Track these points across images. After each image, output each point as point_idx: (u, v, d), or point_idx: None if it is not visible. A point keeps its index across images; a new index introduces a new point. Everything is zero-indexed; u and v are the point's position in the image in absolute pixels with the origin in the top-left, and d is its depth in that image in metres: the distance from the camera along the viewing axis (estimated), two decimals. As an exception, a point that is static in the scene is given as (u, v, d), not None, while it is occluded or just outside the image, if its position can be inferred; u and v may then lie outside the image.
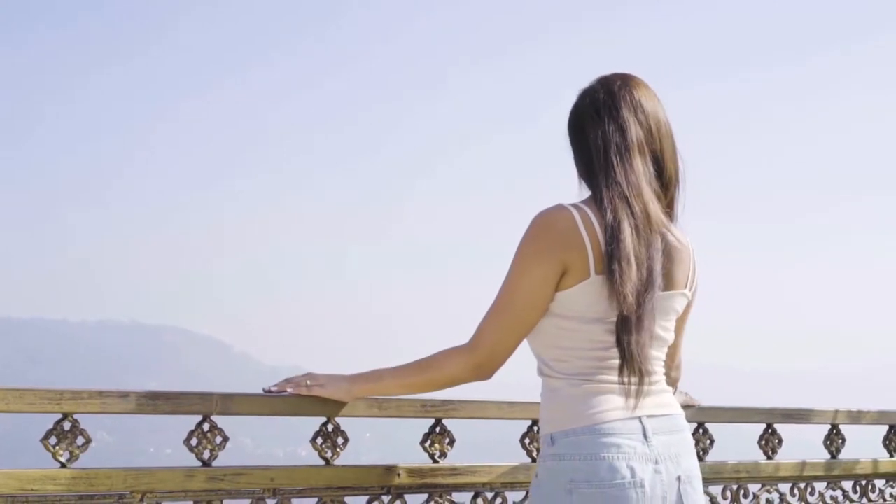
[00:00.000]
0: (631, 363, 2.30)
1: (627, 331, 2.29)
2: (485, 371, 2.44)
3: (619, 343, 2.30)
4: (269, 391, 2.63)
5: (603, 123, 2.41)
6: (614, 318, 2.31)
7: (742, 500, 3.43)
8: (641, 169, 2.39)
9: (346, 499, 2.70)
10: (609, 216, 2.31)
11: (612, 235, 2.29)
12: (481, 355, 2.41)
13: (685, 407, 3.17)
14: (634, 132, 2.41)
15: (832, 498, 3.69)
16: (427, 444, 2.85)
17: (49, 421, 2.40)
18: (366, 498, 2.74)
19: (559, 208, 2.35)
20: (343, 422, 2.73)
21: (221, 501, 2.55)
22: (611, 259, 2.28)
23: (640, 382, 2.32)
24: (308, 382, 2.64)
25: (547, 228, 2.34)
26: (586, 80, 2.53)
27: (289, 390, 2.63)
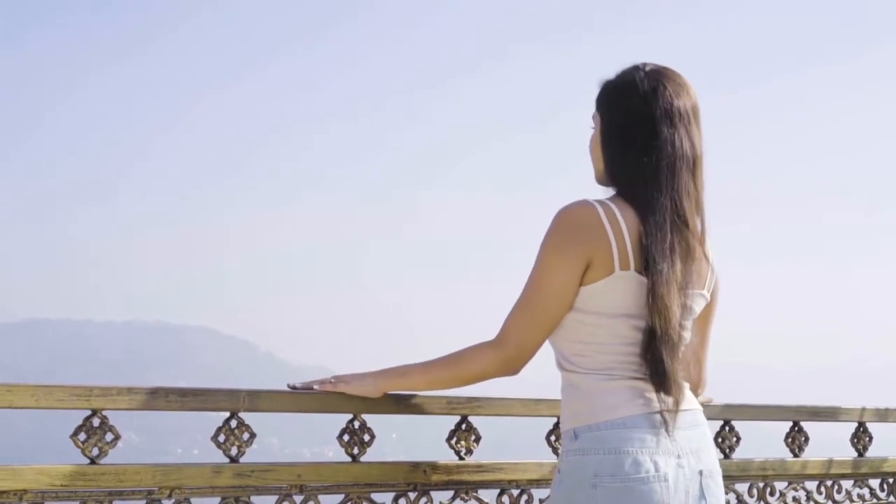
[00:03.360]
0: (666, 381, 2.31)
1: (667, 347, 2.30)
2: (512, 366, 2.43)
3: (652, 353, 2.30)
4: (294, 387, 2.65)
5: (659, 132, 2.37)
6: (637, 314, 2.32)
7: (769, 497, 3.42)
8: (686, 181, 2.38)
9: (373, 495, 2.71)
10: (655, 226, 2.30)
11: (656, 247, 2.29)
12: (508, 350, 2.41)
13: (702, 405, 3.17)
14: (686, 145, 2.38)
15: (859, 496, 3.67)
16: (453, 441, 2.86)
17: (76, 418, 2.42)
18: (392, 495, 2.75)
19: (583, 203, 2.35)
20: (369, 421, 2.75)
21: (249, 498, 2.57)
22: (652, 272, 2.28)
23: (677, 403, 2.34)
24: (332, 380, 2.66)
25: (570, 223, 2.33)
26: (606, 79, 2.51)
27: (315, 387, 2.65)
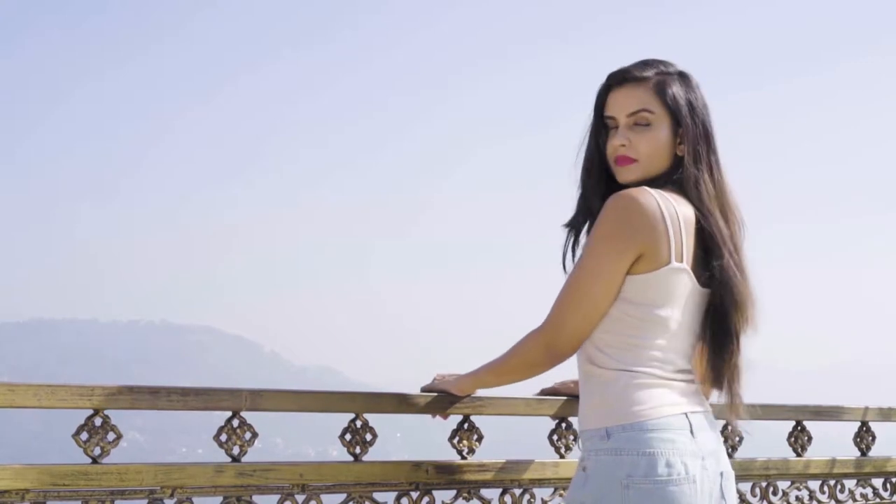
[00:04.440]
0: (726, 380, 2.41)
1: (729, 353, 2.39)
2: (557, 351, 2.41)
3: (712, 355, 2.41)
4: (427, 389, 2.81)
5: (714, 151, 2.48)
6: (682, 310, 2.36)
7: (771, 497, 3.42)
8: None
9: (375, 495, 2.71)
10: (733, 224, 2.41)
11: (727, 248, 2.37)
12: (551, 333, 2.39)
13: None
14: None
15: (862, 495, 3.67)
16: (455, 441, 2.86)
17: (80, 418, 2.42)
18: (394, 494, 2.75)
19: (642, 190, 2.34)
20: (374, 421, 2.75)
21: (251, 497, 2.57)
22: (721, 272, 2.35)
23: (736, 401, 2.42)
24: (437, 376, 2.82)
25: (628, 209, 2.31)
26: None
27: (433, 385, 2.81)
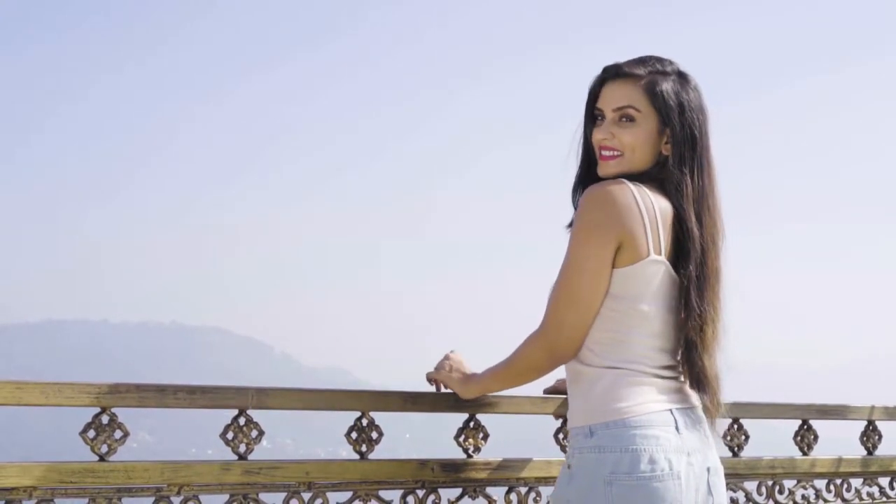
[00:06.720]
0: (705, 381, 2.39)
1: (704, 347, 2.38)
2: (559, 353, 2.42)
3: (689, 355, 2.39)
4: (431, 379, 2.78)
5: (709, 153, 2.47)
6: (665, 304, 2.37)
7: (778, 496, 3.42)
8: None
9: (381, 493, 2.72)
10: (710, 223, 2.40)
11: (706, 244, 2.38)
12: (551, 336, 2.40)
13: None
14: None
15: (868, 494, 3.67)
16: (461, 439, 2.87)
17: (88, 416, 2.43)
18: (400, 492, 2.76)
19: (615, 181, 2.35)
20: (383, 421, 2.75)
21: (257, 495, 2.58)
22: (697, 268, 2.36)
23: (716, 400, 2.42)
24: (447, 359, 2.77)
25: (602, 201, 2.33)
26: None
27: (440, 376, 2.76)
